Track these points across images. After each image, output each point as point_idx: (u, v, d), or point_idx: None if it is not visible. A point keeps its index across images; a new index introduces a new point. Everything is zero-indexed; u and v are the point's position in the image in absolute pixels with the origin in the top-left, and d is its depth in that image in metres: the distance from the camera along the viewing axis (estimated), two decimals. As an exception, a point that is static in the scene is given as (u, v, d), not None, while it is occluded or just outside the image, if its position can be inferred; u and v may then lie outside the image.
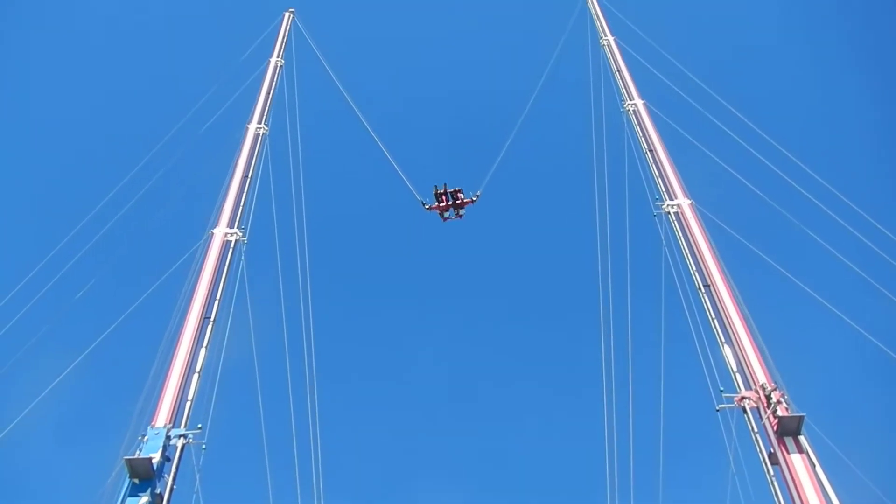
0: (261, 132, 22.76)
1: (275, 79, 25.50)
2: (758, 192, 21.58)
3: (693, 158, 21.82)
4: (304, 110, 27.32)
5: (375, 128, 28.22)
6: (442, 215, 24.95)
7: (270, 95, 24.65)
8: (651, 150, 21.27)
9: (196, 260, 17.92)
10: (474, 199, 24.90)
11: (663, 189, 19.86)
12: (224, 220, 19.11)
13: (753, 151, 22.48)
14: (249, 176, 20.98)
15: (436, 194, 24.72)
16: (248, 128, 22.63)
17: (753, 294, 17.19)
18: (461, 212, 25.07)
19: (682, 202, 19.12)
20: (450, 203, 24.74)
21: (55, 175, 46.70)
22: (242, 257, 18.79)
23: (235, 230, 19.02)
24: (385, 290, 51.45)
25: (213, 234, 18.61)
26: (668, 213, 19.03)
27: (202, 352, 15.69)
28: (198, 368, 15.25)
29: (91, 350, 17.86)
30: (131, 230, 23.66)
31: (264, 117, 23.36)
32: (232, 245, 18.62)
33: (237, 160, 21.19)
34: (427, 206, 24.64)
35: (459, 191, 24.77)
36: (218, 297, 17.15)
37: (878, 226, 20.70)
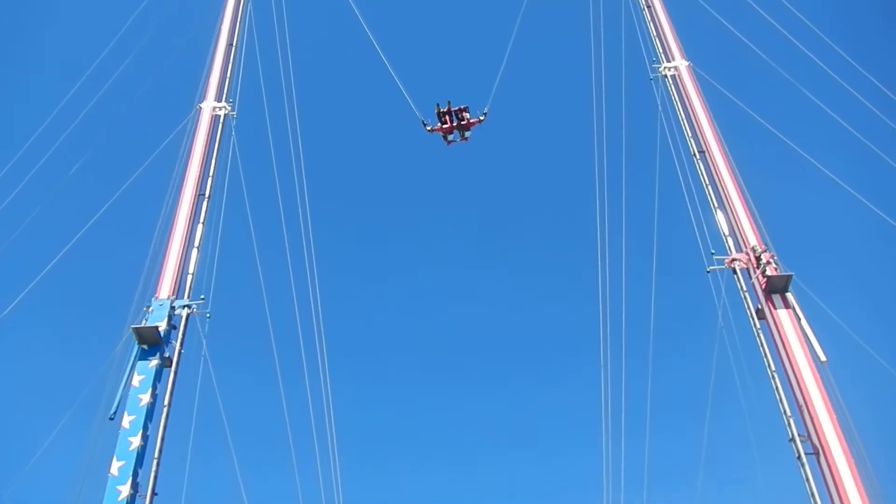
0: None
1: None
2: (755, 48, 20.90)
3: (694, 18, 20.99)
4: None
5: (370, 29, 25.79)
6: (445, 138, 22.09)
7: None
8: (649, 7, 20.44)
9: (186, 137, 17.65)
10: (481, 118, 21.88)
11: (661, 50, 19.26)
12: (211, 93, 18.63)
13: (755, 6, 21.55)
14: (234, 44, 20.13)
15: (438, 114, 21.66)
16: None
17: (748, 158, 17.15)
18: (467, 134, 22.07)
19: (680, 64, 18.66)
20: (454, 124, 21.77)
21: (32, 56, 44.78)
22: (233, 132, 18.48)
23: (224, 104, 18.57)
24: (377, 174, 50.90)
25: (200, 108, 18.20)
26: (665, 76, 18.59)
27: (199, 227, 15.83)
28: (196, 243, 15.45)
29: (86, 230, 17.91)
30: (116, 108, 23.03)
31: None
32: (221, 119, 18.25)
33: (220, 28, 20.26)
34: (429, 128, 21.90)
35: (465, 109, 21.69)
36: (211, 173, 17.06)
37: (877, 83, 20.29)
